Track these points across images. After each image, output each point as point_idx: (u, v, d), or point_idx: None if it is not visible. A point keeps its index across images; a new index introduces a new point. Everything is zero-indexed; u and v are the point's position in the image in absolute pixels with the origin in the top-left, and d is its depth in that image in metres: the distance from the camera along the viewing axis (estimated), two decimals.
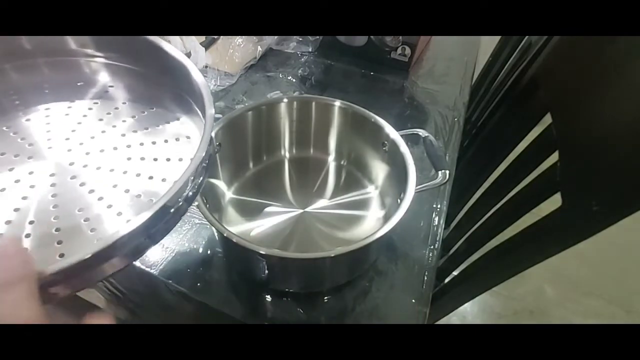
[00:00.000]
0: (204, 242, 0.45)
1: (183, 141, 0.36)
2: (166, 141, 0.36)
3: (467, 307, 1.17)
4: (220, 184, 0.48)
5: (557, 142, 0.49)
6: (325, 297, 0.43)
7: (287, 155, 0.54)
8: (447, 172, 0.41)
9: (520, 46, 0.77)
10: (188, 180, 0.28)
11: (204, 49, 0.68)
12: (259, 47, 0.74)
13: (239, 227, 0.46)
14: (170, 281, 0.41)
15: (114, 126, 0.37)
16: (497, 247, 0.51)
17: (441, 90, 0.74)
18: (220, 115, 0.62)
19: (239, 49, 0.72)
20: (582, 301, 1.22)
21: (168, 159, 0.35)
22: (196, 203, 0.36)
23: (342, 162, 0.53)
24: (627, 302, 1.21)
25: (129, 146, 0.35)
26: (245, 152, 0.51)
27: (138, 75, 0.40)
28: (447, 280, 0.63)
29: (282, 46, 0.80)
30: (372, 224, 0.47)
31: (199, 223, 0.47)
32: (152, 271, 0.42)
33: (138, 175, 0.33)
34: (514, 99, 0.67)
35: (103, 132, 0.36)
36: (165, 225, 0.28)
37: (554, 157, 0.48)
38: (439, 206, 0.51)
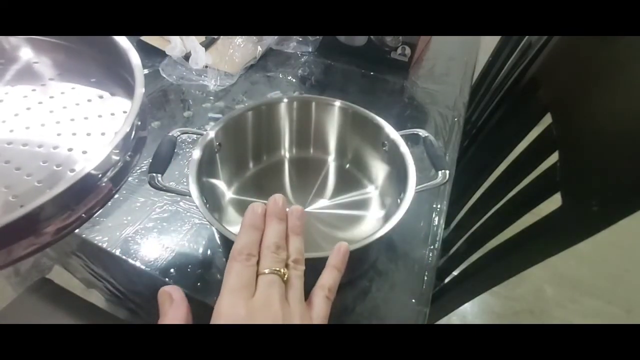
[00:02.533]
0: (204, 242, 0.45)
1: (119, 116, 0.36)
2: (100, 116, 0.35)
3: (467, 307, 1.17)
4: (220, 184, 0.48)
5: (557, 142, 0.49)
6: None
7: (287, 155, 0.54)
8: (447, 172, 0.41)
9: (520, 46, 0.77)
10: (110, 154, 0.28)
11: (204, 49, 0.68)
12: (259, 47, 0.74)
13: (239, 227, 0.46)
14: (171, 281, 0.41)
15: (40, 102, 0.36)
16: (497, 247, 0.51)
17: (441, 90, 0.74)
18: (220, 115, 0.62)
19: (239, 49, 0.72)
20: (582, 301, 1.22)
21: (103, 134, 0.34)
22: (196, 203, 0.36)
23: (342, 162, 0.53)
24: (627, 302, 1.21)
25: (58, 122, 0.35)
26: (245, 152, 0.51)
27: (66, 50, 0.38)
28: (447, 280, 0.63)
29: (282, 46, 0.80)
30: (372, 224, 0.47)
31: (199, 223, 0.47)
32: (152, 271, 0.42)
33: (70, 150, 0.33)
34: (514, 99, 0.67)
35: (28, 109, 0.35)
36: (91, 200, 0.28)
37: (554, 157, 0.48)
38: (439, 206, 0.51)
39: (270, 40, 0.77)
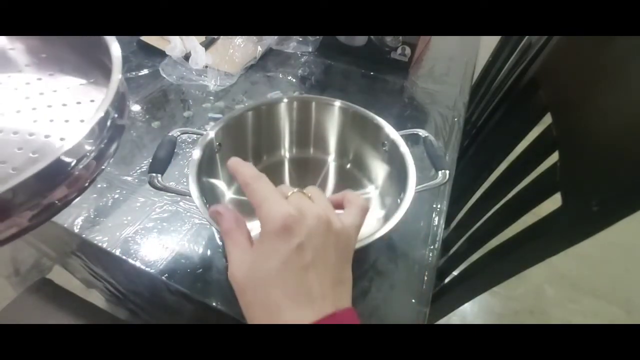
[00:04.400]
0: (204, 242, 0.45)
1: (100, 103, 0.36)
2: (79, 103, 0.35)
3: (467, 307, 1.17)
4: (220, 184, 0.48)
5: (557, 142, 0.49)
6: None
7: (287, 155, 0.54)
8: (447, 172, 0.41)
9: (520, 46, 0.77)
10: (82, 141, 0.26)
11: (204, 49, 0.68)
12: (259, 47, 0.74)
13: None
14: (171, 281, 0.41)
15: (16, 89, 0.35)
16: (497, 247, 0.51)
17: (441, 90, 0.74)
18: (220, 115, 0.62)
19: (239, 49, 0.72)
20: (582, 301, 1.22)
21: (82, 120, 0.33)
22: (196, 203, 0.36)
23: (342, 162, 0.53)
24: (627, 302, 1.21)
25: (34, 109, 0.34)
26: (245, 152, 0.51)
27: (42, 37, 0.37)
28: (447, 280, 0.63)
29: (282, 46, 0.80)
30: (372, 224, 0.47)
31: (199, 223, 0.47)
32: (152, 271, 0.42)
33: (47, 137, 0.32)
34: (514, 99, 0.67)
35: (3, 95, 0.35)
36: (66, 188, 0.27)
37: (554, 157, 0.48)
38: (439, 206, 0.51)
39: (270, 40, 0.77)
